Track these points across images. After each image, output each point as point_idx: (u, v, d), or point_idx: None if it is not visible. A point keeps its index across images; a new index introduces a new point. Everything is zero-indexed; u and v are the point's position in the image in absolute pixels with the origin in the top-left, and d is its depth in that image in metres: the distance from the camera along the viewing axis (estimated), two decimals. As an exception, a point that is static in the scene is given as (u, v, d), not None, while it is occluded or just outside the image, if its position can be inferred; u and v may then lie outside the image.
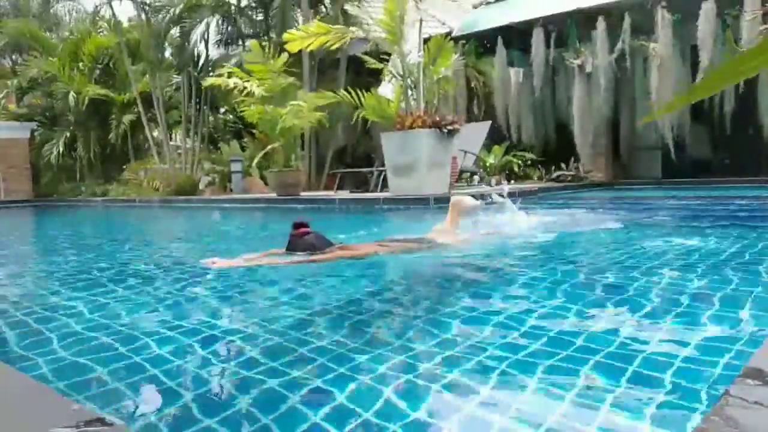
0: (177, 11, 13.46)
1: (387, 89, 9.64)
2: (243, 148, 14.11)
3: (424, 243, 3.65)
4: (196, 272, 3.30)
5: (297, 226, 3.43)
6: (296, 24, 12.07)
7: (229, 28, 14.35)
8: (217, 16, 13.96)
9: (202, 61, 14.90)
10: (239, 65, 11.35)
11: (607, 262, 3.25)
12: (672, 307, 2.03)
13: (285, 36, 9.20)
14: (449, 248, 3.65)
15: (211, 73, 14.41)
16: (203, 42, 14.33)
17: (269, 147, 10.35)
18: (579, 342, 1.64)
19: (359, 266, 3.23)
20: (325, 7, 13.75)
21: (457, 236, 3.98)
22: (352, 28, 9.86)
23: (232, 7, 14.06)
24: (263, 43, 10.66)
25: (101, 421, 1.06)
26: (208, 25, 13.81)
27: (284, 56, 9.90)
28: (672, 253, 3.36)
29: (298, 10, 13.05)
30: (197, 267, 3.41)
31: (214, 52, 15.10)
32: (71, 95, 15.28)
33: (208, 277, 3.12)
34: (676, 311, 1.97)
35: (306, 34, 8.99)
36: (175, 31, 14.11)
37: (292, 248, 3.39)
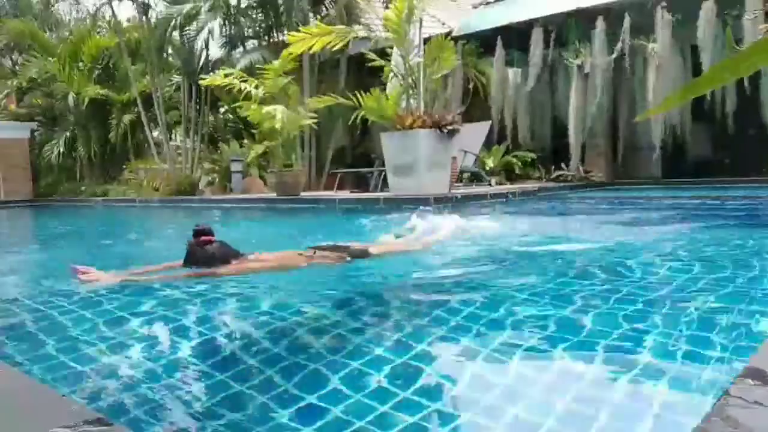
0: (179, 19, 13.44)
1: (390, 87, 9.64)
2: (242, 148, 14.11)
3: (348, 252, 3.11)
4: (56, 282, 2.93)
5: (198, 233, 2.87)
6: (297, 24, 12.06)
7: (231, 30, 14.33)
8: (219, 19, 13.93)
9: (202, 61, 14.88)
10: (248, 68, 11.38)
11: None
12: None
13: (288, 38, 9.20)
14: (381, 257, 3.24)
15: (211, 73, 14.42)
16: (204, 43, 14.32)
17: (264, 145, 10.35)
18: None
19: (258, 287, 2.68)
20: (326, 7, 13.74)
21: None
22: (355, 27, 9.87)
23: (232, 8, 14.03)
24: (263, 43, 10.67)
25: (101, 421, 1.06)
26: (210, 31, 13.78)
27: (289, 56, 9.88)
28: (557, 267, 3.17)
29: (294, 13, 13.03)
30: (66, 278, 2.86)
31: (215, 51, 15.08)
32: (71, 95, 15.28)
33: (43, 297, 2.65)
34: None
35: (309, 35, 9.00)
36: (177, 33, 14.09)
37: (189, 260, 2.85)
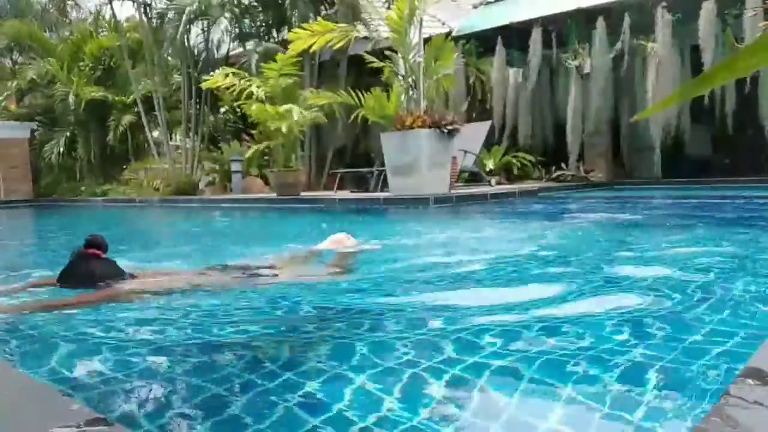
0: (173, 14, 13.42)
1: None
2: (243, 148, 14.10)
3: (252, 272, 2.77)
4: None
5: (89, 244, 2.58)
6: (296, 22, 12.04)
7: (234, 29, 14.31)
8: (223, 17, 13.92)
9: (203, 60, 14.86)
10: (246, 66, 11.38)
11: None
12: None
13: (290, 35, 9.19)
14: (287, 283, 2.80)
15: (211, 73, 14.41)
16: (205, 42, 14.32)
17: (264, 144, 10.35)
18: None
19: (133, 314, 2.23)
20: (326, 7, 13.72)
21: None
22: (357, 27, 9.86)
23: (236, 6, 14.02)
24: (262, 41, 10.67)
25: (101, 421, 1.06)
26: (217, 27, 13.77)
27: (292, 56, 9.87)
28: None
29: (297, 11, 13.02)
30: None
31: (216, 50, 15.06)
32: (70, 97, 15.26)
33: None
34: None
35: (311, 32, 8.99)
36: (178, 32, 14.07)
37: (67, 275, 2.53)
